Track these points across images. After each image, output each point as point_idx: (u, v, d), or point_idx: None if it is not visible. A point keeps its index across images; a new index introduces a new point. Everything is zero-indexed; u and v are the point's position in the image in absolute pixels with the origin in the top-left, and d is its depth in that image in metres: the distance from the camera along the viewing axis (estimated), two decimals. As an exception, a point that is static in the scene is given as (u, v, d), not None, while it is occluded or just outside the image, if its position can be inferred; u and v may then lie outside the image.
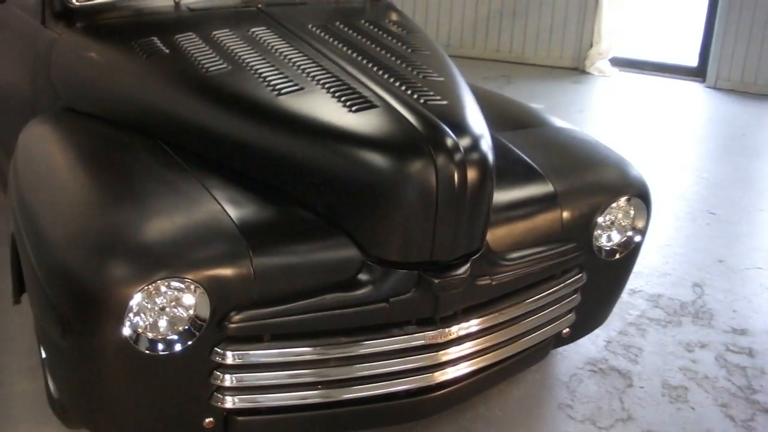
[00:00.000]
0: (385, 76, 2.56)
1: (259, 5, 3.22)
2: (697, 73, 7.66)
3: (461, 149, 2.23)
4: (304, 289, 2.20)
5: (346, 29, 3.01)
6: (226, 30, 2.92)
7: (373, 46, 2.86)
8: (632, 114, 6.64)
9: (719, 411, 2.97)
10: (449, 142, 2.22)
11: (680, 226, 4.59)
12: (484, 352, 2.50)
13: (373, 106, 2.34)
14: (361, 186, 2.23)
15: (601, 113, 6.75)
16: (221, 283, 2.09)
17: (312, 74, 2.54)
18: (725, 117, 6.72)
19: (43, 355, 2.71)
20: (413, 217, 2.20)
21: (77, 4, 3.10)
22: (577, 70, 7.82)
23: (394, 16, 3.41)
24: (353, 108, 2.34)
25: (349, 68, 2.59)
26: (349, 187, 2.25)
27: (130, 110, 2.77)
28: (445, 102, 2.44)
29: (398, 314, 2.29)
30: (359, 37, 2.94)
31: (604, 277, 2.82)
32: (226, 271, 2.10)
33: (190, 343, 2.11)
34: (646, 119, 6.51)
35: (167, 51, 2.77)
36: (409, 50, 2.92)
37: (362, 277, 2.24)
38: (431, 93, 2.48)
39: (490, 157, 2.32)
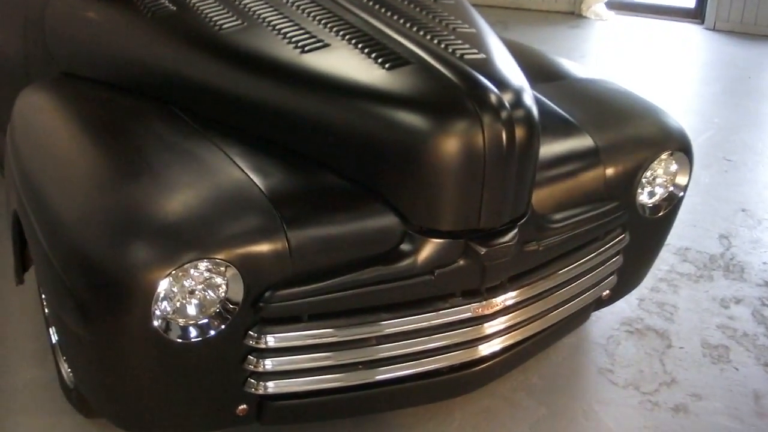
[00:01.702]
0: (414, 29, 2.35)
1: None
2: (695, 15, 7.49)
3: (506, 105, 2.05)
4: (343, 263, 2.02)
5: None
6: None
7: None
8: (633, 58, 6.46)
9: (764, 370, 2.85)
10: (493, 98, 2.04)
11: (697, 174, 4.38)
12: (529, 321, 2.34)
13: (407, 63, 2.14)
14: (400, 150, 2.04)
15: (603, 58, 6.55)
16: (255, 261, 1.91)
17: (336, 29, 2.33)
18: (727, 59, 6.56)
19: (54, 339, 2.54)
20: (459, 182, 2.02)
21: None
22: (574, 14, 7.61)
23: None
24: (386, 65, 2.14)
25: (375, 22, 2.37)
26: (387, 152, 2.06)
27: (136, 74, 2.55)
28: (482, 55, 2.25)
29: (442, 286, 2.12)
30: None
31: (646, 235, 2.66)
32: (260, 248, 1.91)
33: (223, 327, 1.94)
34: (648, 63, 6.33)
35: (175, 8, 2.54)
36: (435, 1, 2.71)
37: (404, 248, 2.07)
38: (466, 46, 2.28)
39: (535, 112, 2.14)
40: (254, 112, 2.26)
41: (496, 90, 2.06)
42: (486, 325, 2.23)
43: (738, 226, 3.85)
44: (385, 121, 2.05)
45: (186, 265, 1.84)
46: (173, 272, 1.83)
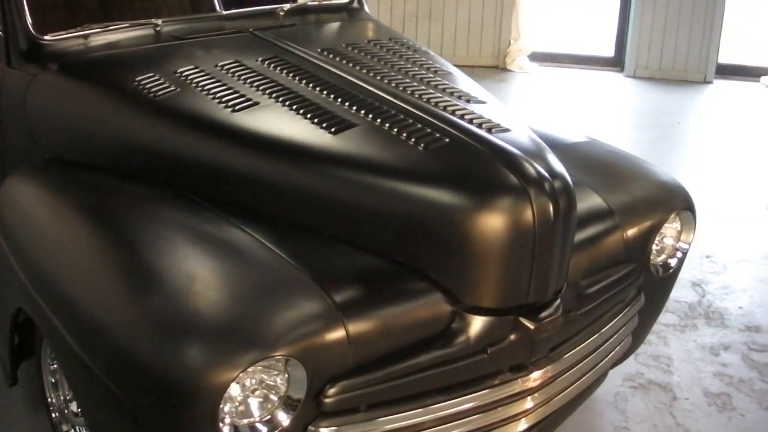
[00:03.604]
0: (434, 103, 2.35)
1: (251, 29, 2.95)
2: (615, 63, 7.77)
3: (548, 179, 2.05)
4: (398, 349, 1.97)
5: (358, 52, 2.78)
6: (231, 60, 2.64)
7: (402, 70, 2.64)
8: (564, 108, 6.63)
9: (768, 415, 2.92)
10: (535, 171, 2.05)
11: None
12: (565, 389, 2.34)
13: (442, 141, 2.13)
14: (445, 229, 2.02)
15: (534, 110, 6.71)
16: (317, 354, 1.84)
17: (358, 108, 2.30)
18: (654, 105, 6.81)
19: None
20: (511, 258, 2.01)
21: (49, 39, 2.74)
22: (497, 68, 7.78)
23: (387, 32, 3.22)
24: (421, 145, 2.12)
25: (392, 99, 2.36)
26: (430, 232, 2.03)
27: (142, 158, 2.45)
28: (509, 128, 2.26)
29: (494, 364, 2.10)
30: (378, 60, 2.72)
31: (655, 294, 2.71)
32: (321, 339, 1.85)
33: (286, 425, 1.86)
34: (579, 112, 6.52)
35: (177, 88, 2.48)
36: (433, 71, 2.72)
37: (456, 328, 2.04)
38: (489, 120, 2.29)
39: (570, 179, 2.15)
40: (283, 197, 2.21)
41: (536, 165, 2.07)
42: (529, 397, 2.21)
43: (706, 273, 3.97)
44: (430, 202, 2.03)
45: (253, 366, 1.76)
46: (240, 375, 1.74)
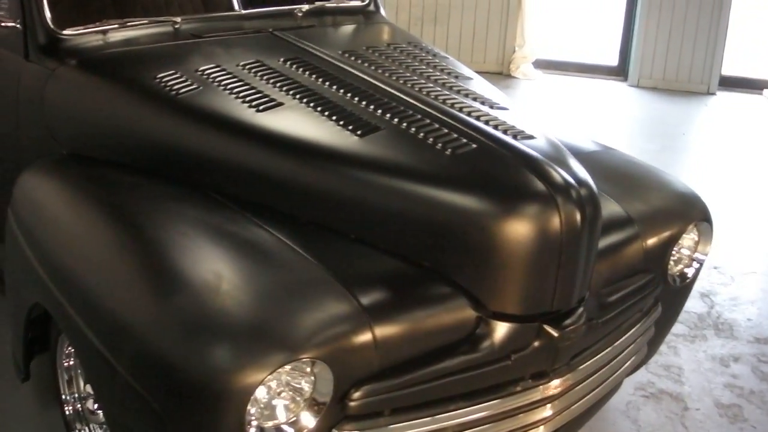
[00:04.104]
0: (458, 108, 2.35)
1: (270, 29, 2.94)
2: (618, 72, 7.78)
3: (575, 186, 2.05)
4: (423, 353, 1.96)
5: (379, 55, 2.78)
6: (253, 60, 2.63)
7: (423, 74, 2.64)
8: (568, 117, 6.64)
9: (780, 427, 2.92)
10: (563, 180, 2.04)
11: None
12: (584, 397, 2.33)
13: (469, 146, 2.12)
14: (474, 236, 2.01)
15: (540, 118, 6.70)
16: (344, 357, 1.83)
17: (383, 111, 2.30)
18: (658, 115, 6.82)
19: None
20: (537, 265, 2.01)
21: (68, 34, 2.73)
22: (502, 74, 7.79)
23: (405, 35, 3.22)
24: (449, 150, 2.11)
25: (416, 102, 2.35)
26: (459, 238, 2.03)
27: (162, 155, 2.44)
28: (533, 135, 2.26)
29: (517, 371, 2.09)
30: (399, 64, 2.71)
31: (672, 304, 2.71)
32: (349, 343, 1.84)
33: (311, 427, 1.85)
34: (583, 121, 6.53)
35: (200, 86, 2.46)
36: (455, 76, 2.72)
37: (480, 334, 2.03)
38: (513, 126, 2.29)
39: (595, 186, 2.15)
40: (309, 198, 2.19)
41: (561, 170, 2.06)
42: (549, 405, 2.20)
43: (714, 284, 3.97)
44: (457, 207, 2.02)
45: (282, 368, 1.75)
46: (268, 377, 1.73)
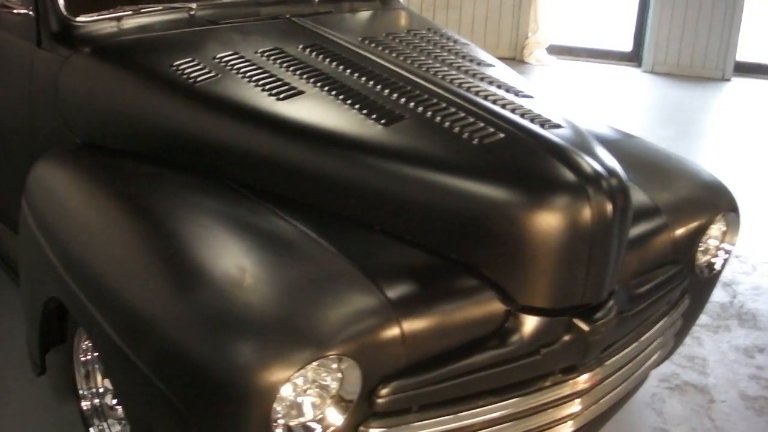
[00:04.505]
0: (483, 96, 2.29)
1: (288, 15, 2.88)
2: (632, 58, 7.70)
3: (606, 176, 1.99)
4: (451, 348, 1.91)
5: (399, 42, 2.72)
6: (272, 47, 2.57)
7: (445, 61, 2.58)
8: (582, 103, 6.57)
9: (808, 421, 2.87)
10: (593, 170, 1.98)
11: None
12: (612, 390, 2.28)
13: (497, 136, 2.07)
14: (503, 228, 1.95)
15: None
16: (371, 353, 1.78)
17: (407, 99, 2.24)
18: (673, 102, 6.75)
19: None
20: (567, 258, 1.95)
21: (81, 21, 2.67)
22: (515, 60, 7.72)
23: (424, 22, 3.16)
24: (476, 139, 2.05)
25: (439, 90, 2.29)
26: (488, 230, 1.97)
27: (180, 145, 2.38)
28: (560, 124, 2.20)
29: (547, 365, 2.04)
30: (421, 51, 2.65)
31: (698, 296, 2.65)
32: (376, 338, 1.79)
33: (338, 425, 1.80)
34: (598, 108, 6.45)
35: (218, 74, 2.41)
36: (477, 63, 2.66)
37: (509, 328, 1.98)
38: (539, 114, 2.23)
39: (625, 176, 2.09)
40: (332, 189, 2.13)
41: (591, 160, 2.01)
42: (578, 400, 2.15)
43: (737, 273, 3.91)
44: (484, 197, 1.97)
45: (308, 366, 1.69)
46: (295, 375, 1.68)
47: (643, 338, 2.33)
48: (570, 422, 2.17)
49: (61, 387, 2.67)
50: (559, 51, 7.78)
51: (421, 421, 1.90)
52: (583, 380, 2.12)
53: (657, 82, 7.26)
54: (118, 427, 2.35)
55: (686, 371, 3.11)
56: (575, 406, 2.14)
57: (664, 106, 6.71)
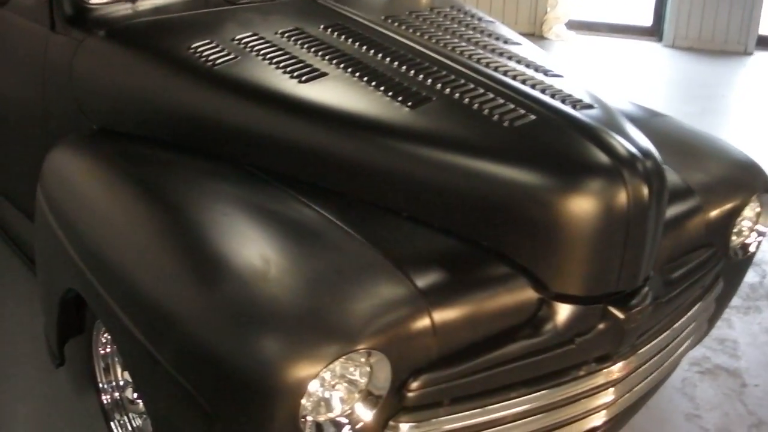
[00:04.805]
0: (512, 76, 2.21)
1: (305, -5, 2.80)
2: (652, 33, 7.57)
3: (641, 158, 1.92)
4: (484, 339, 1.85)
5: (423, 20, 2.64)
6: (292, 27, 2.50)
7: (471, 40, 2.50)
8: (602, 79, 6.44)
9: (844, 405, 2.79)
10: (628, 153, 1.91)
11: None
12: (646, 377, 2.21)
13: (528, 118, 1.99)
14: (536, 213, 1.88)
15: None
16: (401, 346, 1.72)
17: (433, 80, 2.16)
18: (696, 77, 6.62)
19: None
20: (602, 244, 1.88)
21: (95, 3, 2.61)
22: (534, 35, 7.59)
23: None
24: (505, 121, 1.98)
25: (467, 71, 2.21)
26: (520, 215, 1.90)
27: (199, 130, 2.31)
28: (592, 104, 2.12)
29: (581, 354, 1.97)
30: (446, 30, 2.57)
31: (732, 279, 2.57)
32: (406, 330, 1.72)
33: (367, 420, 1.74)
34: (619, 83, 6.33)
35: (237, 56, 2.34)
36: (503, 41, 2.58)
37: (542, 316, 1.91)
38: (570, 94, 2.15)
39: (660, 159, 2.01)
40: (355, 173, 2.07)
41: (626, 142, 1.93)
42: (612, 389, 2.09)
43: (765, 253, 3.82)
44: (516, 181, 1.90)
45: (337, 361, 1.63)
46: (323, 370, 1.62)
47: (676, 324, 2.26)
48: (603, 412, 2.11)
49: (81, 379, 2.62)
50: (578, 26, 7.65)
51: (453, 414, 1.84)
52: (617, 369, 2.05)
53: (678, 57, 7.13)
54: (140, 422, 2.30)
55: (717, 354, 3.04)
56: (609, 395, 2.08)
57: (687, 81, 6.58)
